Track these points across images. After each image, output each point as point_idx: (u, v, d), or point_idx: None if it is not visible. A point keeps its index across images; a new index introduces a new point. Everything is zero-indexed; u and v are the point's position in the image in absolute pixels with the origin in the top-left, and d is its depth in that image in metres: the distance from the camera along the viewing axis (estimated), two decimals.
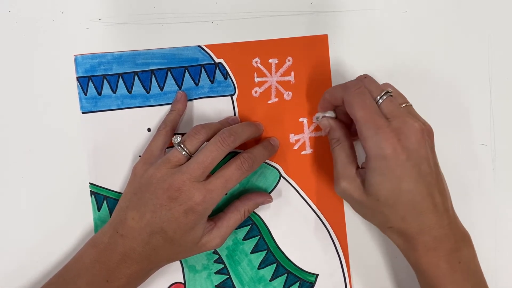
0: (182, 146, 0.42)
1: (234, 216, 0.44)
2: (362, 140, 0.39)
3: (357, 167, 0.41)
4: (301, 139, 0.48)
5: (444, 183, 0.41)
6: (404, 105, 0.41)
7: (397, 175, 0.38)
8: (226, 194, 0.46)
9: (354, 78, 0.43)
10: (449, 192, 0.41)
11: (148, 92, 0.48)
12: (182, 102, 0.47)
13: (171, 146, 0.44)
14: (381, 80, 0.48)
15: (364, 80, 0.42)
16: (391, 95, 0.41)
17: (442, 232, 0.39)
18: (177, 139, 0.43)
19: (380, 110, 0.40)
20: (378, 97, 0.40)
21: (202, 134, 0.43)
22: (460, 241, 0.40)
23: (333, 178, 0.43)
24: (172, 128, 0.46)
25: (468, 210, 0.48)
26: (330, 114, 0.43)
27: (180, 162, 0.42)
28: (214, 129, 0.43)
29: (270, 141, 0.47)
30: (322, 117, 0.44)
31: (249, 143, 0.47)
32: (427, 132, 0.40)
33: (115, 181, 0.48)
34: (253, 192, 0.47)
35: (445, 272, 0.39)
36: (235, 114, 0.48)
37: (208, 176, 0.42)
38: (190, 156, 0.42)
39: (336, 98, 0.42)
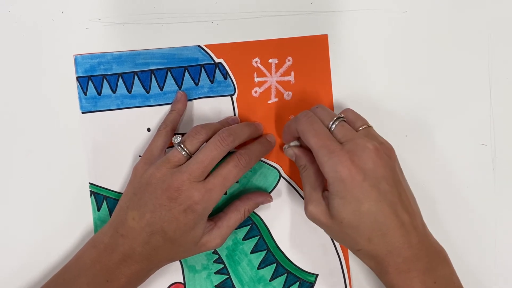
0: (182, 146, 0.42)
1: (234, 216, 0.44)
2: (320, 166, 0.39)
3: (324, 191, 0.42)
4: None
5: (412, 201, 0.40)
6: (363, 127, 0.42)
7: (356, 197, 0.38)
8: (225, 194, 0.46)
9: (334, 113, 0.43)
10: (418, 209, 0.41)
11: (148, 92, 0.48)
12: (182, 102, 0.47)
13: (171, 146, 0.44)
14: (381, 80, 0.48)
15: (316, 110, 0.43)
16: (344, 120, 0.41)
17: (412, 252, 0.38)
18: (177, 139, 0.43)
19: (332, 136, 0.40)
20: (331, 123, 0.41)
21: (202, 134, 0.43)
22: (434, 260, 0.39)
23: None
24: (172, 128, 0.46)
25: (468, 210, 0.48)
26: (294, 143, 0.45)
27: (180, 162, 0.42)
28: (214, 129, 0.43)
29: (266, 138, 0.47)
30: (288, 147, 0.45)
31: (248, 144, 0.47)
32: (385, 151, 0.40)
33: (115, 181, 0.47)
34: (253, 192, 0.47)
35: None
36: (235, 114, 0.48)
37: (207, 176, 0.42)
38: (190, 156, 0.42)
39: (292, 131, 0.43)
